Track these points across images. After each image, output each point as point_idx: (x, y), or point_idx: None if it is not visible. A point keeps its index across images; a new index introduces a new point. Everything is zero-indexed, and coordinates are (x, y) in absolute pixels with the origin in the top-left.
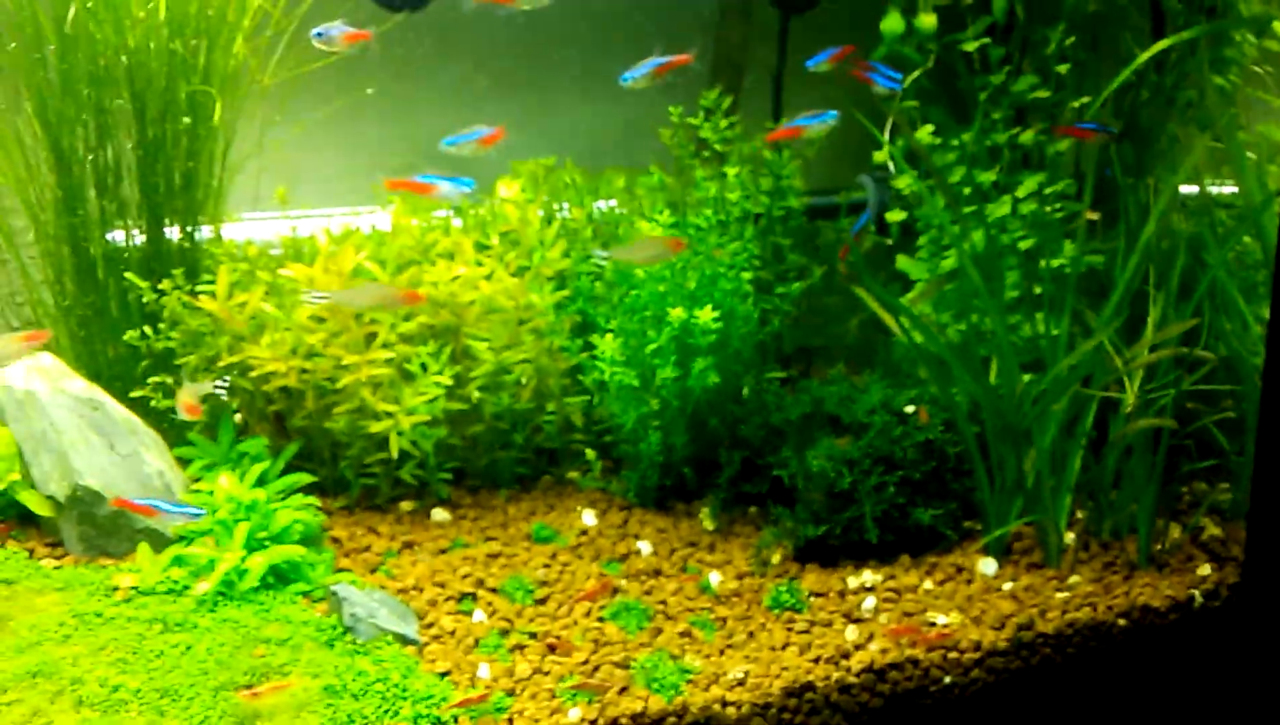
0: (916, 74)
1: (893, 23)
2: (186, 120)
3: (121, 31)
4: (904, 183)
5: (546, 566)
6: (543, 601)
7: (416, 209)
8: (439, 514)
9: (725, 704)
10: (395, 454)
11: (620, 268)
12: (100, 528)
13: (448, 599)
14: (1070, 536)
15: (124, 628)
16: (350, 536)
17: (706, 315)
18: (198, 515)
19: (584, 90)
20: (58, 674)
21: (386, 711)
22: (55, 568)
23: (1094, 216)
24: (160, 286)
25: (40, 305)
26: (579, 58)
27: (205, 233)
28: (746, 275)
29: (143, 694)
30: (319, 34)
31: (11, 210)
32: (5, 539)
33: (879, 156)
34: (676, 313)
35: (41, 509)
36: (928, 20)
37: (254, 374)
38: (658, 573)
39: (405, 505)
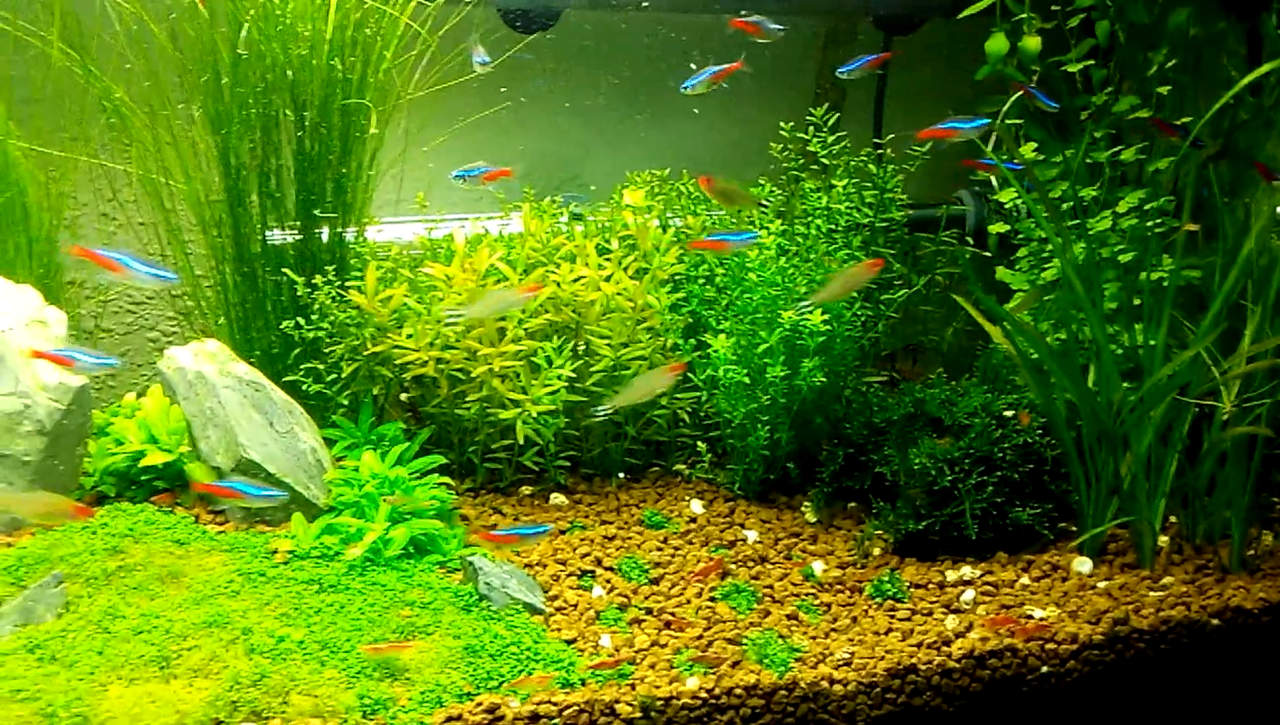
0: (1017, 95)
1: (997, 44)
2: (340, 130)
3: (288, 49)
4: (1007, 196)
5: (659, 549)
6: (657, 581)
7: (543, 215)
8: (557, 498)
9: (832, 681)
10: (520, 440)
11: (736, 275)
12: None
13: (569, 575)
14: (1164, 540)
15: (285, 586)
16: (478, 515)
17: (816, 318)
18: (276, 496)
19: (699, 105)
20: (230, 624)
21: (520, 671)
22: (219, 532)
23: (1193, 228)
24: (313, 281)
25: (202, 296)
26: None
27: (351, 234)
28: None
29: (305, 645)
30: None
31: (171, 210)
32: (173, 505)
33: (982, 173)
34: (788, 315)
35: (206, 479)
36: (1032, 42)
37: (399, 362)
38: (764, 559)
39: (525, 489)
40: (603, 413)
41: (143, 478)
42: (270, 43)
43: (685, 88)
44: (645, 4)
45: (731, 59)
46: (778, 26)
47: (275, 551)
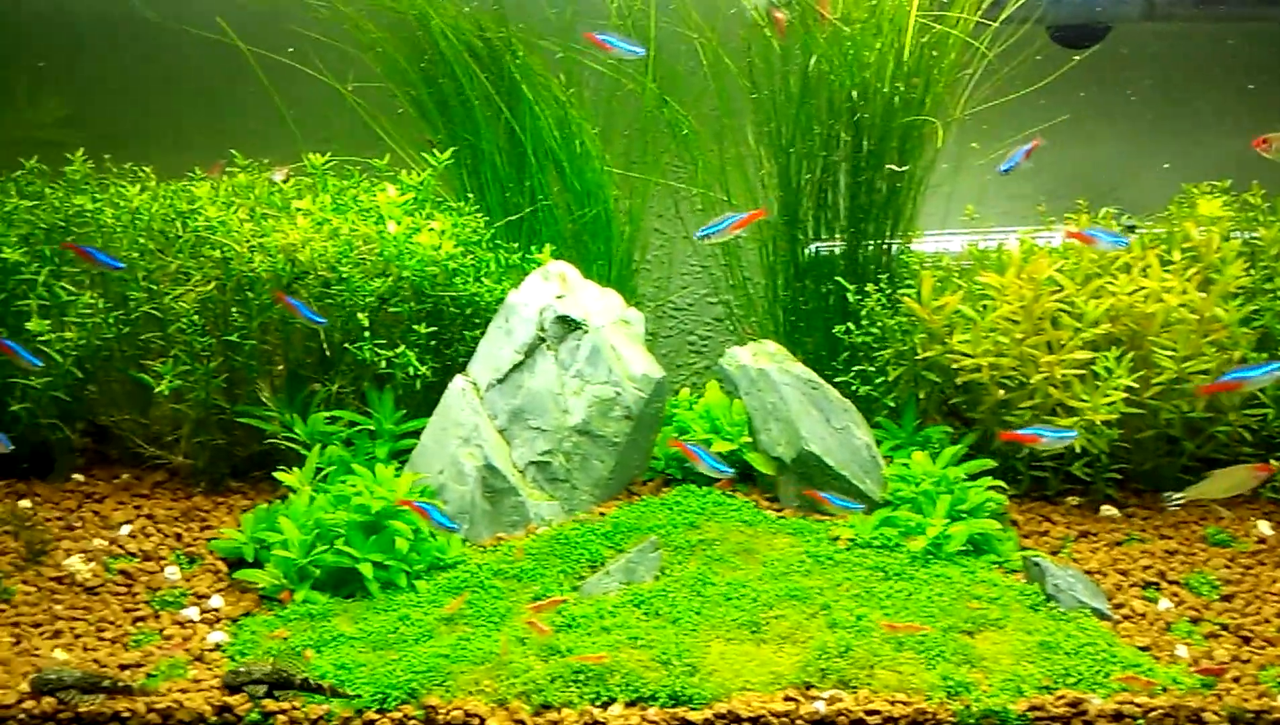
0: None
1: None
2: (896, 148)
3: (853, 75)
4: None
5: (1227, 567)
6: (1229, 598)
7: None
8: (1108, 510)
9: None
10: (1077, 449)
11: None
12: (817, 487)
13: (1132, 585)
14: None
15: (852, 571)
16: (1026, 520)
17: None
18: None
19: (1251, 117)
20: (809, 599)
21: (1098, 671)
22: (779, 517)
23: None
24: (864, 289)
25: (749, 300)
26: (1242, 87)
27: (897, 245)
28: None
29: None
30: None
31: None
32: (733, 489)
33: None
34: None
35: (765, 468)
36: None
37: (953, 367)
38: None
39: (1072, 499)
40: (1174, 504)
41: None
42: (838, 70)
43: (700, 236)
44: (1197, 11)
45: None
46: None
47: (836, 538)
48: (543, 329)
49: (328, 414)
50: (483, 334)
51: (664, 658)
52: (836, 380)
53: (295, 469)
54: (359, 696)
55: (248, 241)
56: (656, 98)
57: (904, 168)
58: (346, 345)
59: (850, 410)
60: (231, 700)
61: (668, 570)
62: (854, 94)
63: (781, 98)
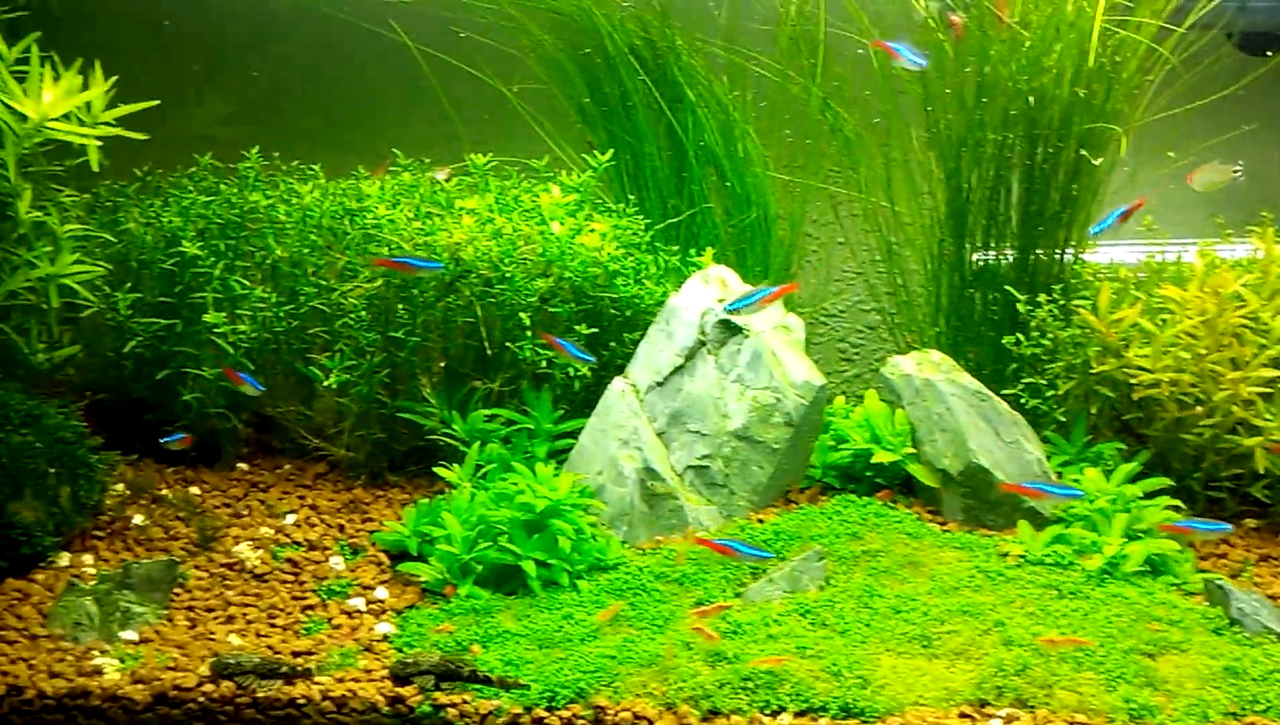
0: None
1: None
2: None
3: (1030, 80)
4: None
5: None
6: None
7: None
8: None
9: None
10: (1260, 469)
11: None
12: (983, 502)
13: None
14: None
15: (1024, 588)
16: (1203, 543)
17: None
18: (1077, 495)
19: None
20: (981, 615)
21: None
22: (944, 530)
23: None
24: (1035, 300)
25: (909, 308)
26: None
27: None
28: None
29: (1059, 644)
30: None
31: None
32: (893, 501)
33: None
34: None
35: (928, 480)
36: None
37: (1130, 381)
38: None
39: (1249, 522)
40: None
41: (865, 474)
42: (1015, 74)
43: (730, 308)
44: None
45: None
46: None
47: (1005, 554)
48: (704, 333)
49: (487, 412)
50: (642, 336)
51: (834, 669)
52: (1004, 392)
53: (455, 465)
54: (528, 688)
55: (413, 240)
56: (821, 101)
57: (1097, 160)
58: (508, 344)
59: (1020, 423)
60: (403, 691)
61: (832, 580)
62: (1030, 99)
63: (953, 102)
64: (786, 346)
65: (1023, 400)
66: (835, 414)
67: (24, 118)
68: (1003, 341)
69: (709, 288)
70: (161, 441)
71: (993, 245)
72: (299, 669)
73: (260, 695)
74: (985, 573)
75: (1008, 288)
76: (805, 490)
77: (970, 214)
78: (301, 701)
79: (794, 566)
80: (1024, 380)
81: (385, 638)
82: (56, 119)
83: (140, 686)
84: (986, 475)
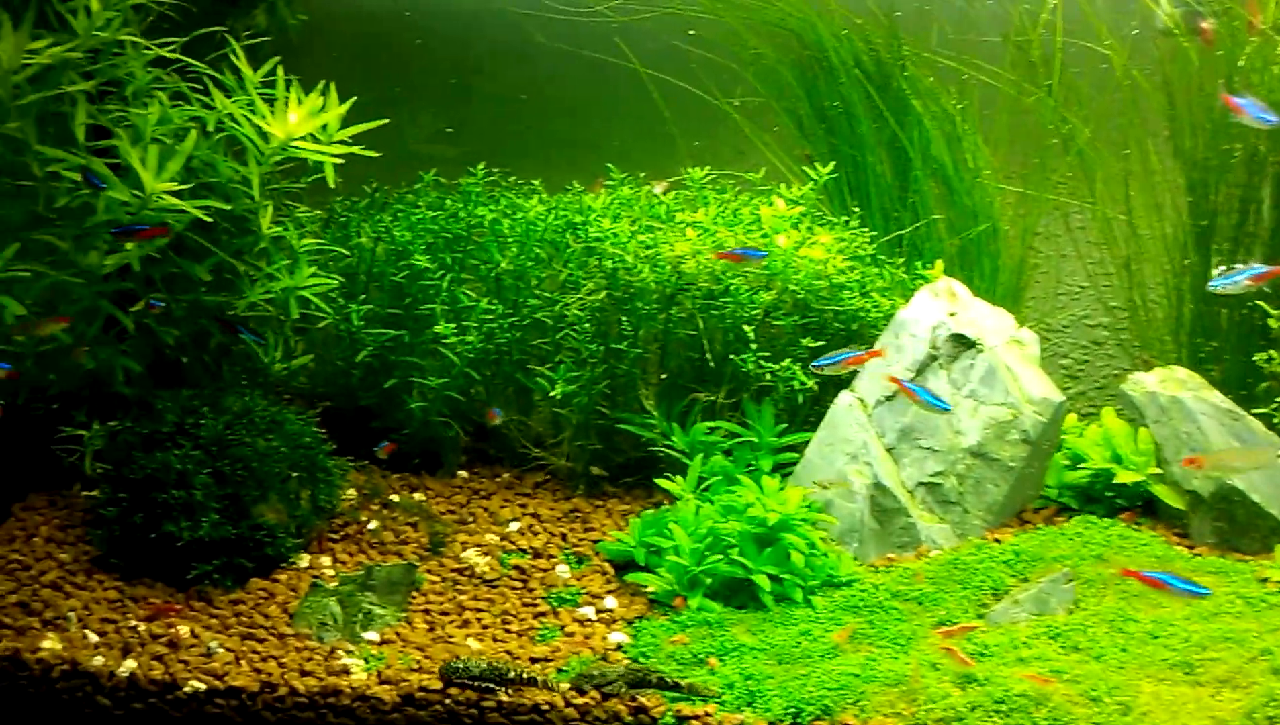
0: None
1: None
2: None
3: None
4: None
5: None
6: None
7: None
8: None
9: None
10: None
11: None
12: (1235, 524)
13: None
14: None
15: None
16: None
17: None
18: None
19: None
20: (1245, 642)
21: None
22: (1194, 554)
23: None
24: None
25: (1143, 323)
26: None
27: None
28: None
29: None
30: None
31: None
32: (1135, 523)
33: None
34: None
35: (1175, 502)
36: None
37: None
38: None
39: None
40: None
41: (1105, 494)
42: (1271, 82)
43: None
44: None
45: None
46: None
47: (1265, 580)
48: (935, 347)
49: (708, 424)
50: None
51: (1093, 694)
52: (1255, 412)
53: (678, 477)
54: (717, 697)
55: (635, 253)
56: (1054, 111)
57: None
58: (729, 356)
59: (1276, 443)
60: (647, 701)
61: (1081, 603)
62: None
63: (1200, 110)
64: (1021, 361)
65: (1275, 420)
66: (1068, 432)
67: (268, 137)
68: (1253, 358)
69: (939, 301)
70: (374, 449)
71: (1241, 258)
72: (524, 675)
73: (504, 700)
74: (1245, 598)
75: (1259, 302)
76: (1040, 510)
77: (1217, 226)
78: (545, 708)
79: (1041, 588)
80: (1278, 399)
81: (619, 647)
82: (300, 138)
83: (387, 687)
84: (1241, 497)
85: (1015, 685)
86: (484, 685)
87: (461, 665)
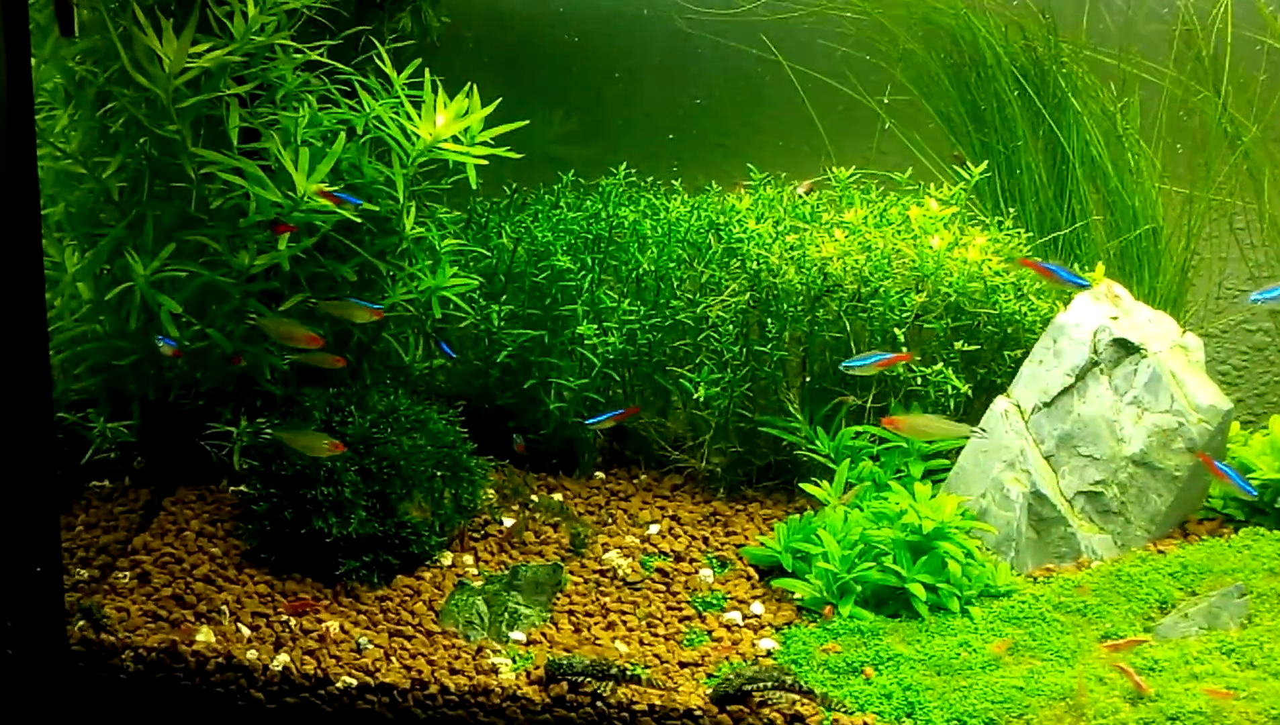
0: None
1: None
2: None
3: None
4: None
5: None
6: None
7: None
8: None
9: None
10: None
11: None
12: None
13: None
14: None
15: None
16: None
17: None
18: None
19: None
20: None
21: None
22: None
23: None
24: None
25: None
26: None
27: None
28: None
29: None
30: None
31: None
32: None
33: None
34: None
35: None
36: None
37: None
38: None
39: None
40: None
41: (1275, 506)
42: None
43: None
44: None
45: None
46: None
47: None
48: (1096, 352)
49: (854, 428)
50: (1023, 355)
51: (1272, 712)
52: None
53: (824, 482)
54: (842, 706)
55: (780, 254)
56: (1221, 109)
57: None
58: None
59: None
60: (804, 710)
61: (1255, 619)
62: None
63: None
64: (1186, 367)
65: None
66: (1232, 441)
67: (413, 139)
68: None
69: (1100, 305)
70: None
71: None
72: (627, 673)
73: (656, 704)
74: None
75: None
76: (1204, 522)
77: None
78: (699, 714)
79: (1212, 602)
80: None
81: (769, 653)
82: (445, 140)
83: (536, 688)
84: None
85: (1189, 701)
86: (585, 680)
87: (565, 662)
